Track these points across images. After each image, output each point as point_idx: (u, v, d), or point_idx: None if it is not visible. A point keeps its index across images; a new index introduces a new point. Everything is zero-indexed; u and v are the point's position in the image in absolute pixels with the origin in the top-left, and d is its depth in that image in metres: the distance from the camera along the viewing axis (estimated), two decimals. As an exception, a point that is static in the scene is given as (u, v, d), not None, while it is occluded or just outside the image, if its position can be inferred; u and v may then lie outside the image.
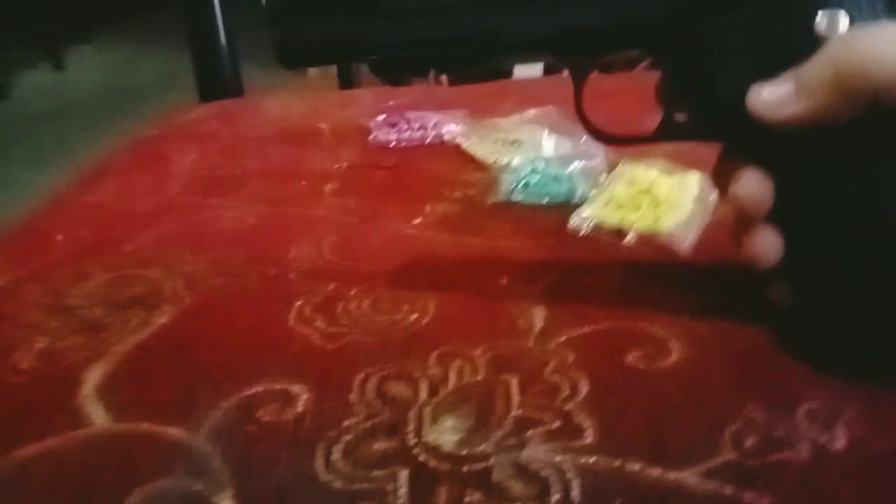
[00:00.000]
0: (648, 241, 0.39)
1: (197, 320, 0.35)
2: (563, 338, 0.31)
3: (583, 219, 0.41)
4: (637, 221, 0.40)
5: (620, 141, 0.32)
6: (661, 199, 0.42)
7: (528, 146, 0.52)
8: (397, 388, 0.28)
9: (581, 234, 0.40)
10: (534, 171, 0.48)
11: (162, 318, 0.35)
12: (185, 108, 0.74)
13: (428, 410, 0.27)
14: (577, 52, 0.30)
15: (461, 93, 0.74)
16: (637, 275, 0.36)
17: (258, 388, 0.29)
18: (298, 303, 0.35)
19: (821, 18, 0.25)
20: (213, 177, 0.54)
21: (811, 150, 0.26)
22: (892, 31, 0.24)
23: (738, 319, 0.31)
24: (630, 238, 0.39)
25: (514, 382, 0.28)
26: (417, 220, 0.44)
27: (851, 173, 0.26)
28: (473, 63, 0.31)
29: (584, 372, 0.28)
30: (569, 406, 0.26)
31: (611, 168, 0.47)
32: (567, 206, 0.43)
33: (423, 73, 0.32)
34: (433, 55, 0.32)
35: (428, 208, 0.46)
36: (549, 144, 0.51)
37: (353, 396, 0.28)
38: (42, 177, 2.24)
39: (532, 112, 0.60)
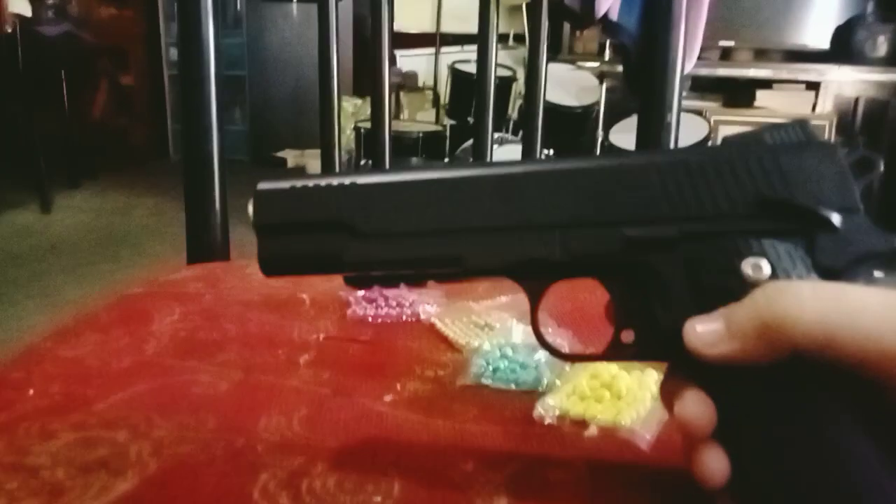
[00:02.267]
0: (610, 434, 0.41)
1: (160, 489, 0.35)
2: (524, 531, 0.31)
3: (548, 407, 0.42)
4: (599, 414, 0.42)
5: (573, 359, 0.34)
6: (622, 393, 0.43)
7: (499, 331, 0.54)
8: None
9: (546, 422, 0.42)
10: (503, 356, 0.50)
11: (124, 485, 0.35)
12: (172, 267, 0.76)
13: None
14: (533, 278, 0.33)
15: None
16: (599, 470, 0.37)
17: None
18: (264, 476, 0.36)
19: (745, 264, 0.29)
20: (191, 339, 0.55)
21: (746, 381, 0.28)
22: (810, 289, 0.27)
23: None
24: (591, 430, 0.41)
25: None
26: (389, 398, 0.45)
27: (783, 409, 0.27)
28: (438, 280, 0.34)
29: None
30: None
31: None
32: (532, 394, 0.45)
33: (394, 285, 0.35)
34: (401, 274, 0.34)
35: (399, 386, 0.47)
36: (518, 331, 0.54)
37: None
38: (12, 313, 2.22)
39: (503, 299, 0.63)
